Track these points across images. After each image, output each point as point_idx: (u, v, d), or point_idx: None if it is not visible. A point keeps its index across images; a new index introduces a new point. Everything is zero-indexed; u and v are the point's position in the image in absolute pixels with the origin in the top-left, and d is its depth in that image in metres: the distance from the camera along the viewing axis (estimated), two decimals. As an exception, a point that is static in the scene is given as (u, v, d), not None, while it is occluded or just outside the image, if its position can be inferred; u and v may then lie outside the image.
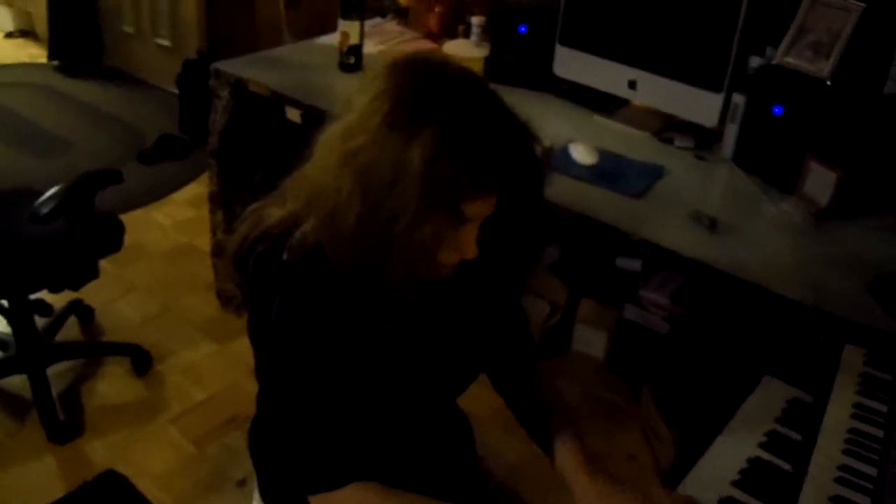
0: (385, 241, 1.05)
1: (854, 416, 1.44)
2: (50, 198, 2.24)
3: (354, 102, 1.10)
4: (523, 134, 1.15)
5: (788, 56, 2.22)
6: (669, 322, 2.80)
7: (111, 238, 2.57)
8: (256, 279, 1.17)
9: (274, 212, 1.19)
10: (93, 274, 2.52)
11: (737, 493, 1.30)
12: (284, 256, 1.13)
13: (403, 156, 1.02)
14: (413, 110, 1.04)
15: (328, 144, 1.11)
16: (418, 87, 1.07)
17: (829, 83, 2.11)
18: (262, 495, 1.42)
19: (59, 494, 2.31)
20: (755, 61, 2.35)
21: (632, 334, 2.91)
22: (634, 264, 2.99)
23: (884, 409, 1.46)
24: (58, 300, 2.91)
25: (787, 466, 1.35)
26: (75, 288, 2.53)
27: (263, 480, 1.43)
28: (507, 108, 1.13)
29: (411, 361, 1.26)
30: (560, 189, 1.84)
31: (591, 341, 3.08)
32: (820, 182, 2.10)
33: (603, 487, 1.31)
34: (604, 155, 2.32)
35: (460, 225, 1.09)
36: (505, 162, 1.09)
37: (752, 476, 1.33)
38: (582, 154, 2.29)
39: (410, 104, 1.05)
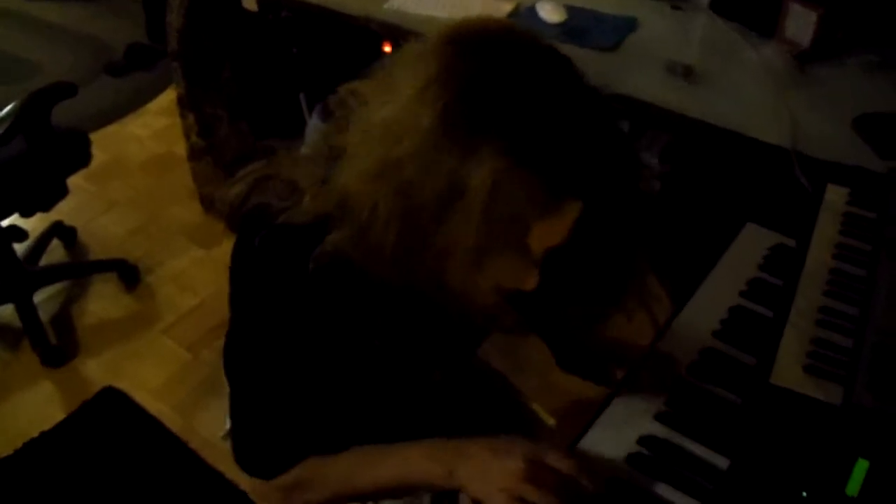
0: (432, 277, 0.90)
1: (836, 257, 1.40)
2: (2, 119, 2.16)
3: (398, 85, 0.87)
4: (610, 125, 0.90)
5: None
6: (660, 181, 2.73)
7: (76, 153, 2.50)
8: (267, 263, 1.01)
9: (280, 196, 1.00)
10: (62, 192, 2.47)
11: (717, 344, 1.27)
12: (311, 265, 0.95)
13: (461, 175, 0.81)
14: (476, 110, 0.81)
15: (366, 142, 0.89)
16: (483, 76, 0.82)
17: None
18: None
19: (60, 417, 2.33)
20: None
21: (622, 197, 2.85)
22: (622, 126, 2.90)
23: (867, 247, 1.41)
24: (38, 224, 2.88)
25: (768, 313, 1.31)
26: (46, 209, 2.48)
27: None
28: (592, 92, 0.89)
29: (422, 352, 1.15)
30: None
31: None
32: (800, 23, 2.01)
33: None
34: (572, 11, 2.21)
35: (526, 260, 0.92)
36: (590, 171, 0.85)
37: (732, 325, 1.31)
38: (549, 12, 2.18)
39: (473, 102, 0.81)
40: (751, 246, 1.48)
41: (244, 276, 1.05)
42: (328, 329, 1.02)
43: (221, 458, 2.17)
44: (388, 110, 0.86)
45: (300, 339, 1.03)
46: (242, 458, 1.13)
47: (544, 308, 1.14)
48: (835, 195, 1.56)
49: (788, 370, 1.17)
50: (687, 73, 1.94)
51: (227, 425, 1.38)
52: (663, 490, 1.04)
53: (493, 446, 1.02)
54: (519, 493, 0.97)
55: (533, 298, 1.02)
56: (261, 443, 1.11)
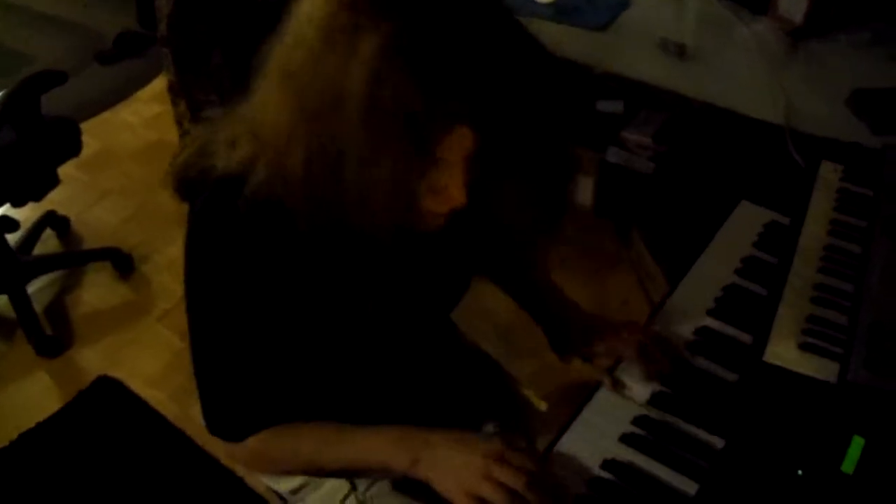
0: (338, 187, 0.86)
1: (831, 233, 1.39)
2: (-9, 109, 2.14)
3: (296, 9, 0.88)
4: (514, 33, 0.88)
5: None
6: (654, 161, 2.72)
7: (66, 142, 2.47)
8: (205, 225, 1.00)
9: (220, 155, 0.98)
10: (53, 182, 2.45)
11: (712, 322, 1.26)
12: (241, 210, 0.94)
13: (343, 72, 0.80)
14: (357, 10, 0.81)
15: (269, 70, 0.90)
16: None
17: None
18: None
19: (56, 407, 2.31)
20: None
21: (617, 177, 2.83)
22: (616, 106, 2.89)
23: (862, 223, 1.41)
24: (30, 214, 2.87)
25: (762, 291, 1.31)
26: (38, 198, 2.46)
27: None
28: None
29: (390, 307, 1.12)
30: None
31: (577, 188, 3.01)
32: (793, -1, 1.99)
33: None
34: (564, -10, 2.20)
35: (429, 164, 0.87)
36: (484, 73, 0.83)
37: (727, 303, 1.30)
38: (541, -8, 2.17)
39: (355, 3, 0.82)
40: (745, 223, 1.47)
41: (190, 242, 1.03)
42: (272, 276, 1.00)
43: (218, 446, 2.13)
44: (285, 32, 0.88)
45: (250, 293, 1.01)
46: (209, 420, 1.11)
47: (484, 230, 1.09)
48: (829, 171, 1.55)
49: (783, 348, 1.17)
50: (680, 51, 1.93)
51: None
52: (658, 470, 1.04)
53: (458, 439, 1.03)
54: (476, 490, 0.97)
55: (469, 218, 0.98)
56: (224, 404, 1.09)
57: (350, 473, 1.19)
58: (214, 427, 1.11)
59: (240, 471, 2.08)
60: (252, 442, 1.10)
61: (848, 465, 0.95)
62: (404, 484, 1.26)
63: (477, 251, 1.20)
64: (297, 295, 1.02)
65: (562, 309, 1.35)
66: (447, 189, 0.91)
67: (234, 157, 0.96)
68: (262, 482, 1.43)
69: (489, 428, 1.39)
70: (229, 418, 1.10)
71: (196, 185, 1.01)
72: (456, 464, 1.01)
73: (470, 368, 1.48)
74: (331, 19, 0.82)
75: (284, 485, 1.32)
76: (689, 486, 1.01)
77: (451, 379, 1.41)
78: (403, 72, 0.79)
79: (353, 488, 1.26)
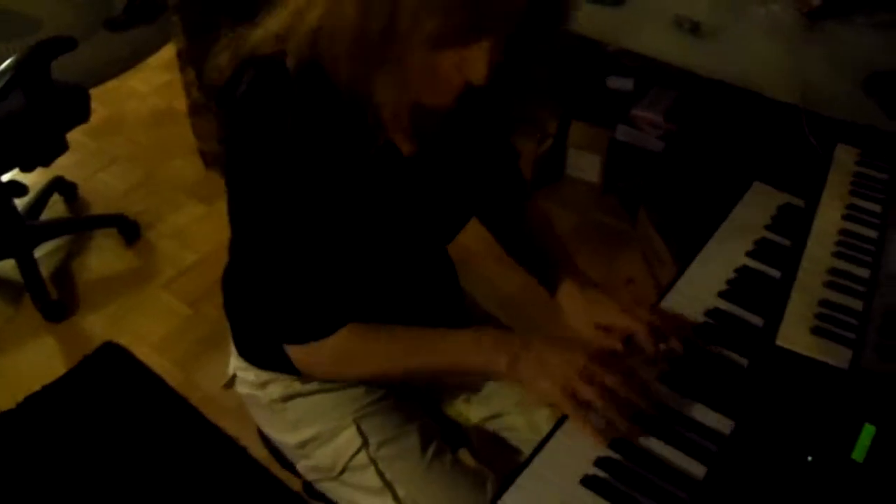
0: (383, 45, 0.88)
1: (846, 218, 1.38)
2: (1, 74, 2.12)
3: None
4: None
5: None
6: (664, 140, 2.70)
7: (76, 108, 2.46)
8: (250, 108, 0.99)
9: (257, 32, 1.00)
10: (61, 147, 2.44)
11: (723, 304, 1.26)
12: (289, 63, 0.95)
13: None
14: None
15: None
16: None
17: None
18: (238, 347, 1.37)
19: (61, 371, 2.32)
20: None
21: (626, 155, 2.82)
22: (626, 83, 2.86)
23: (878, 208, 1.39)
24: (38, 179, 2.86)
25: (775, 273, 1.29)
26: (46, 164, 2.46)
27: (238, 332, 1.37)
28: None
29: (399, 201, 1.13)
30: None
31: (584, 166, 3.00)
32: (811, -23, 1.96)
33: (590, 294, 1.27)
34: (579, -34, 2.16)
35: (472, 36, 0.90)
36: None
37: (739, 285, 1.29)
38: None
39: None
40: (758, 205, 1.46)
41: (235, 135, 1.01)
42: (315, 156, 1.00)
43: (221, 413, 2.17)
44: None
45: (303, 174, 1.00)
46: (291, 328, 1.12)
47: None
48: (845, 155, 1.53)
49: (795, 332, 1.16)
50: (694, 29, 1.90)
51: (231, 372, 1.38)
52: (667, 452, 1.03)
53: (558, 341, 1.06)
54: (573, 388, 1.00)
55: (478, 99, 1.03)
56: (306, 300, 1.10)
57: (431, 375, 1.20)
58: (298, 331, 1.12)
59: (243, 440, 2.09)
60: (335, 342, 1.10)
61: (858, 454, 0.94)
62: (420, 445, 1.27)
63: (480, 168, 1.22)
64: (329, 180, 1.02)
65: (563, 262, 1.34)
66: (476, 65, 0.92)
67: (270, 28, 0.98)
68: (263, 444, 1.44)
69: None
70: (313, 314, 1.10)
71: (235, 77, 1.00)
72: (555, 363, 1.03)
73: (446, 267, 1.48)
74: None
75: (292, 437, 1.31)
76: (698, 469, 1.01)
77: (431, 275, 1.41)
78: None
79: (365, 445, 1.25)
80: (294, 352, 1.15)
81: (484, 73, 0.93)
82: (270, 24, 0.98)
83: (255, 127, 0.98)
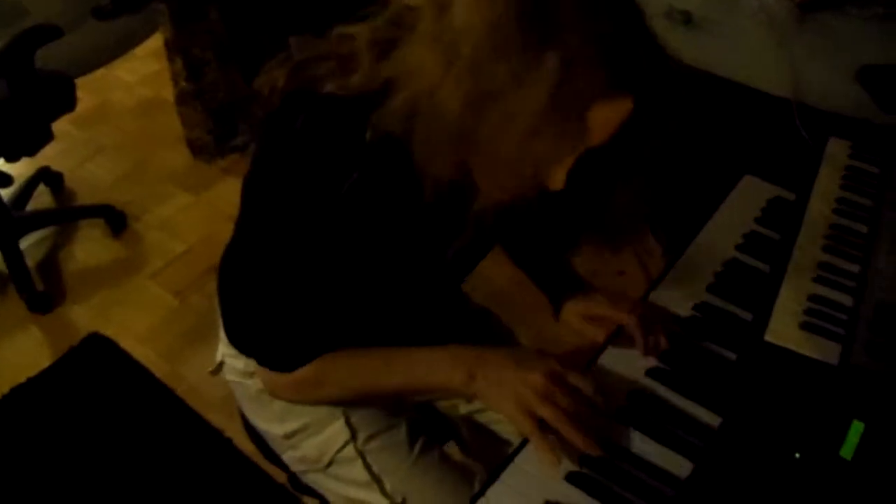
0: (487, 146, 0.86)
1: (836, 212, 1.36)
2: (-16, 63, 2.10)
3: None
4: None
5: None
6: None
7: (61, 97, 2.44)
8: (311, 143, 0.95)
9: (327, 74, 0.95)
10: (46, 137, 2.42)
11: (711, 298, 1.24)
12: (368, 135, 0.92)
13: (537, 55, 0.80)
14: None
15: (426, 30, 0.87)
16: None
17: None
18: (227, 332, 1.34)
19: (47, 363, 2.30)
20: None
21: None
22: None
23: (869, 202, 1.38)
24: (24, 170, 2.84)
25: (765, 267, 1.28)
26: (31, 153, 2.43)
27: (227, 321, 1.35)
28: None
29: (435, 259, 1.11)
30: None
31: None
32: (803, -33, 1.94)
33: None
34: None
35: (577, 143, 0.88)
36: (645, 69, 0.87)
37: (727, 279, 1.27)
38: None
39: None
40: (748, 198, 1.45)
41: (282, 159, 0.98)
42: (350, 203, 0.97)
43: (207, 405, 2.15)
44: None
45: (327, 214, 0.98)
46: (260, 353, 1.12)
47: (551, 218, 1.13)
48: (837, 148, 1.52)
49: (784, 327, 1.15)
50: (685, 20, 1.88)
51: (219, 359, 1.36)
52: (653, 448, 1.02)
53: (514, 356, 1.04)
54: (531, 407, 0.98)
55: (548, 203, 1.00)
56: (280, 333, 1.08)
57: (399, 395, 1.18)
58: (268, 359, 1.11)
59: (228, 432, 2.07)
60: (303, 370, 1.09)
61: (847, 451, 0.93)
62: (408, 438, 1.26)
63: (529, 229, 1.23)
64: (360, 231, 1.01)
65: (568, 277, 1.34)
66: (553, 171, 0.91)
67: (353, 80, 0.93)
68: (248, 434, 1.42)
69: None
70: (284, 347, 1.09)
71: (293, 99, 0.97)
72: (511, 380, 1.00)
73: (479, 332, 1.47)
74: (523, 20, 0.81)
75: (280, 428, 1.30)
76: (684, 466, 1.00)
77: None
78: (597, 58, 0.82)
79: (353, 438, 1.24)
80: (261, 372, 1.15)
81: (562, 180, 0.92)
82: (353, 82, 0.93)
83: (311, 166, 0.96)
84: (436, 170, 0.91)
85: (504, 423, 1.35)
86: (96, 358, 2.34)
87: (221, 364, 1.36)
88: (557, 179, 0.92)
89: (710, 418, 1.05)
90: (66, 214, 2.91)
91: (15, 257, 2.53)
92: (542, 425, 0.97)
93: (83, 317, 2.47)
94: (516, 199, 0.94)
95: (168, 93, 3.10)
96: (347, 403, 1.25)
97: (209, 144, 3.04)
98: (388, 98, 0.90)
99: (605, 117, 0.87)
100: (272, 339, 1.09)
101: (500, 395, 1.01)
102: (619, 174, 1.04)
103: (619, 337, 1.19)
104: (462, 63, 0.83)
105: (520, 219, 1.04)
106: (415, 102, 0.88)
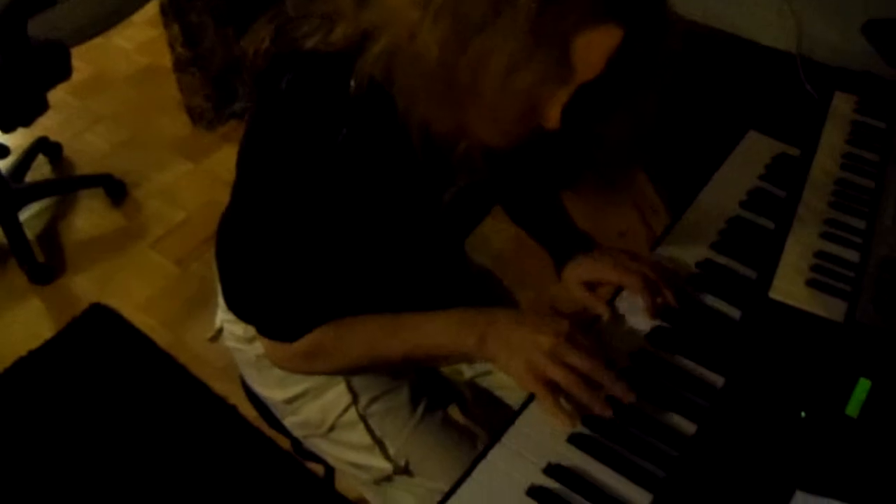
0: (470, 86, 0.83)
1: (843, 167, 1.34)
2: (-25, 31, 2.07)
3: None
4: None
5: None
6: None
7: (55, 66, 2.40)
8: (299, 106, 0.94)
9: (311, 32, 0.93)
10: (42, 106, 2.39)
11: (715, 256, 1.23)
12: (352, 87, 0.89)
13: None
14: None
15: None
16: None
17: None
18: (227, 300, 1.33)
19: (50, 334, 2.30)
20: None
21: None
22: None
23: (875, 157, 1.35)
24: (22, 140, 2.81)
25: (769, 224, 1.26)
26: (26, 123, 2.40)
27: (226, 289, 1.33)
28: None
29: (431, 218, 1.11)
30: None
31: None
32: (808, -84, 1.90)
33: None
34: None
35: (564, 77, 0.85)
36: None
37: (731, 237, 1.26)
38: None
39: None
40: (752, 154, 1.42)
41: (270, 122, 0.97)
42: (344, 162, 0.95)
43: (210, 373, 2.15)
44: None
45: (323, 176, 0.96)
46: (264, 323, 1.10)
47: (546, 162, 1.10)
48: (842, 103, 1.50)
49: (790, 284, 1.13)
50: (689, -25, 1.85)
51: (218, 324, 1.35)
52: (657, 408, 1.00)
53: (526, 318, 1.02)
54: (545, 372, 0.96)
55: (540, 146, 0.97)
56: (282, 303, 1.07)
57: (409, 361, 1.15)
58: (270, 329, 1.09)
59: (232, 399, 2.07)
60: (306, 339, 1.07)
61: (853, 409, 0.91)
62: (410, 401, 1.25)
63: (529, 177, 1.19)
64: (355, 187, 0.98)
65: (570, 232, 1.33)
66: (547, 109, 0.88)
67: (334, 35, 0.91)
68: (248, 399, 1.42)
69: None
70: (287, 317, 1.07)
71: (277, 62, 0.95)
72: (523, 342, 0.99)
73: (481, 294, 1.45)
74: None
75: (280, 393, 1.29)
76: (688, 426, 0.98)
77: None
78: None
79: (354, 402, 1.23)
80: (263, 343, 1.13)
81: (557, 118, 0.89)
82: (335, 35, 0.91)
83: (299, 126, 0.93)
84: (421, 116, 0.88)
85: (507, 389, 1.35)
86: (99, 328, 2.33)
87: (220, 330, 1.35)
88: (552, 118, 0.89)
89: (715, 378, 1.04)
90: (66, 185, 2.89)
91: (15, 229, 2.52)
92: (553, 387, 0.96)
93: (84, 287, 2.46)
94: (515, 142, 0.93)
95: (166, 60, 3.06)
96: (353, 372, 1.23)
97: (208, 111, 3.01)
98: (369, 46, 0.87)
99: (593, 48, 0.83)
100: (272, 307, 1.07)
101: (510, 357, 0.99)
102: (615, 109, 1.00)
103: (622, 296, 1.17)
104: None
105: (512, 159, 1.00)
106: (395, 47, 0.86)
